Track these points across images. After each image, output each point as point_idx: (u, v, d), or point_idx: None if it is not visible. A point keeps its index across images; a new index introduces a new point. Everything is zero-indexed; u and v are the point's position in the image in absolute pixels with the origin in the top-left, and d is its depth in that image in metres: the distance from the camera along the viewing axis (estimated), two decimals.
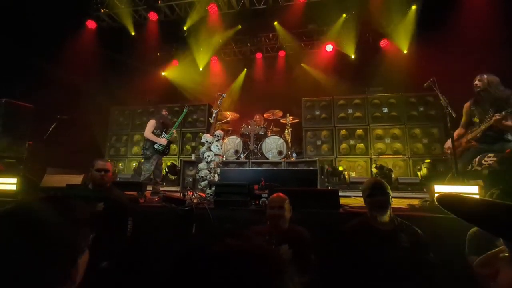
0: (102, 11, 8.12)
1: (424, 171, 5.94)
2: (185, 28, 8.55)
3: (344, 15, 7.75)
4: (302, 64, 9.22)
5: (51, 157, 5.75)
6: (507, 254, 0.51)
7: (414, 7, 7.18)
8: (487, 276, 0.54)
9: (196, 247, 0.49)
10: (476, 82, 3.41)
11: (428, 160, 6.06)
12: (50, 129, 5.23)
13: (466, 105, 3.60)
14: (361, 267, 1.89)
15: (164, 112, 5.29)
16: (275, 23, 8.33)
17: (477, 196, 2.65)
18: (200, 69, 9.78)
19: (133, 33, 8.52)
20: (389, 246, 1.89)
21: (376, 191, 2.02)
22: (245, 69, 9.92)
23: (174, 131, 5.17)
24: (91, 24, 8.11)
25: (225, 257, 0.44)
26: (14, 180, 3.70)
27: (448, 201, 0.55)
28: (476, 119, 3.47)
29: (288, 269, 0.46)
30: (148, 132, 4.94)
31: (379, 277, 1.81)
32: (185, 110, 5.50)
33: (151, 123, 4.99)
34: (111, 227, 2.38)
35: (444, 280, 2.15)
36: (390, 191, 2.04)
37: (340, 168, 6.30)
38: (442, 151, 4.06)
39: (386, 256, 1.85)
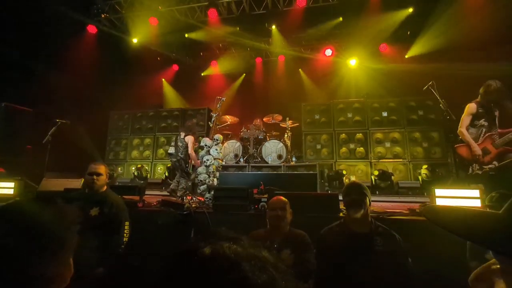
0: (103, 16, 8.17)
1: (423, 176, 5.92)
2: (186, 35, 8.63)
3: (341, 18, 7.70)
4: (300, 69, 9.25)
5: (49, 161, 5.73)
6: (498, 266, 0.49)
7: (410, 9, 7.19)
8: None
9: (186, 250, 0.47)
10: (495, 85, 3.43)
11: (425, 166, 6.05)
12: (49, 133, 5.21)
13: (473, 106, 3.54)
14: (335, 268, 1.91)
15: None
16: (273, 27, 8.28)
17: (478, 200, 2.63)
18: (202, 74, 9.85)
19: (134, 39, 8.58)
20: (363, 249, 1.91)
21: (350, 191, 2.10)
22: (244, 74, 9.95)
23: None
24: (91, 29, 8.16)
25: (215, 261, 0.43)
26: (12, 184, 3.68)
27: (433, 212, 0.53)
28: (483, 122, 3.48)
29: (282, 275, 0.45)
30: (191, 149, 5.02)
31: (352, 279, 1.82)
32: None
33: (192, 140, 5.02)
34: (106, 231, 2.35)
35: (438, 285, 2.13)
36: (367, 193, 2.06)
37: (344, 172, 6.28)
38: (468, 160, 3.47)
39: (359, 258, 1.87)
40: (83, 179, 4.72)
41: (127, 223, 2.50)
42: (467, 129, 3.55)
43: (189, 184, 5.09)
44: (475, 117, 3.52)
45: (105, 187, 2.64)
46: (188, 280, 0.42)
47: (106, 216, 2.40)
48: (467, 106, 3.60)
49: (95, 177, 2.53)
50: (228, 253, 0.45)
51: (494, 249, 0.47)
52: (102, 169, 2.60)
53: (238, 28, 8.26)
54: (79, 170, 5.53)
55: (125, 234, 2.45)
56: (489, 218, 0.48)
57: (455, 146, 3.66)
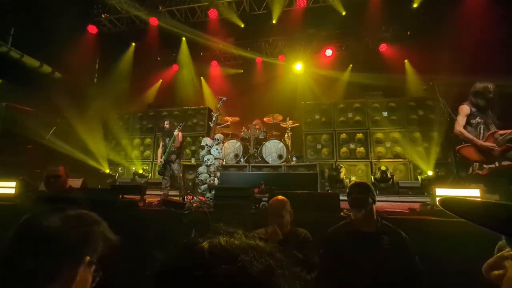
0: (104, 16, 8.18)
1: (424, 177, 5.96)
2: (183, 39, 8.67)
3: (344, 13, 7.59)
4: (298, 69, 9.24)
5: (50, 160, 5.74)
6: (511, 252, 0.55)
7: (415, 5, 7.13)
8: (496, 279, 0.55)
9: (185, 245, 0.49)
10: (479, 86, 3.49)
11: (430, 171, 6.10)
12: (50, 133, 5.24)
13: (466, 107, 3.59)
14: (343, 268, 1.91)
15: (165, 124, 5.28)
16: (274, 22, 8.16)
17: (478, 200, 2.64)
18: (202, 74, 9.87)
19: (134, 39, 8.61)
20: (370, 247, 1.91)
21: (353, 190, 2.11)
22: (242, 71, 9.96)
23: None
24: (92, 29, 8.17)
25: (213, 254, 0.44)
26: (13, 184, 3.68)
27: (450, 203, 0.59)
28: (479, 120, 3.51)
29: (279, 263, 0.46)
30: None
31: (359, 278, 1.82)
32: (178, 127, 5.18)
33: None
34: None
35: (442, 283, 2.13)
36: (371, 192, 2.06)
37: (341, 165, 6.31)
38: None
39: (366, 257, 1.86)
40: (82, 179, 4.77)
41: None
42: (465, 129, 3.56)
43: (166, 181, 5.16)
44: (471, 116, 3.56)
45: (67, 185, 2.71)
46: (187, 274, 0.43)
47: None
48: (459, 108, 3.65)
49: (52, 180, 2.60)
50: (225, 246, 0.47)
51: (509, 234, 0.54)
52: (60, 171, 2.67)
53: (242, 25, 8.20)
54: (80, 170, 5.56)
55: None
56: (503, 208, 0.55)
57: (458, 147, 3.62)
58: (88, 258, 0.75)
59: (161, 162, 5.12)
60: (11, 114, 5.28)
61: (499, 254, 0.57)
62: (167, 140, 5.18)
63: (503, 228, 0.53)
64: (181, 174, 5.33)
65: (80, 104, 7.42)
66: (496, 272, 0.56)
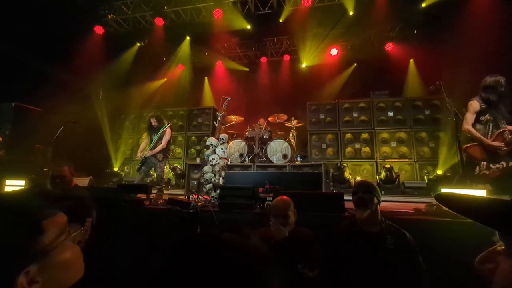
0: (110, 17, 8.27)
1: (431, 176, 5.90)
2: (188, 38, 8.69)
3: (351, 12, 7.53)
4: (304, 67, 9.21)
5: (58, 159, 5.84)
6: (503, 247, 0.56)
7: (423, 4, 7.06)
8: (488, 272, 0.56)
9: (185, 238, 0.50)
10: (503, 81, 3.39)
11: (440, 171, 6.05)
12: (58, 133, 5.32)
13: (475, 103, 3.49)
14: (346, 268, 1.91)
15: (153, 122, 5.07)
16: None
17: None
18: (207, 74, 9.91)
19: (140, 39, 8.69)
20: (374, 248, 1.91)
21: (358, 189, 2.10)
22: (248, 69, 9.99)
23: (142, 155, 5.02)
24: (98, 29, 8.27)
25: (211, 247, 0.46)
26: (22, 182, 3.76)
27: (446, 197, 0.60)
28: (489, 117, 3.43)
29: (274, 263, 0.47)
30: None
31: (363, 278, 1.82)
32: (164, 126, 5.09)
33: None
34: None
35: (445, 284, 2.12)
36: (376, 192, 2.05)
37: (345, 165, 6.29)
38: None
39: (370, 257, 1.86)
40: (90, 177, 4.82)
41: (89, 219, 2.48)
42: (473, 126, 3.49)
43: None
44: (480, 113, 3.46)
45: (73, 183, 2.73)
46: (186, 265, 0.45)
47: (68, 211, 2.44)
48: (469, 104, 3.54)
49: (58, 180, 2.63)
50: (225, 243, 0.48)
51: (503, 230, 0.55)
52: (65, 171, 2.68)
53: (248, 26, 8.21)
54: (87, 169, 5.64)
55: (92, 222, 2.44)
56: (498, 204, 0.56)
57: (465, 146, 3.56)
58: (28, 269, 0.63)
59: (141, 157, 4.89)
60: (20, 114, 5.38)
61: (491, 248, 0.58)
62: (153, 136, 5.04)
63: (498, 224, 0.54)
64: (164, 175, 5.04)
65: (87, 104, 7.52)
66: (488, 266, 0.56)
